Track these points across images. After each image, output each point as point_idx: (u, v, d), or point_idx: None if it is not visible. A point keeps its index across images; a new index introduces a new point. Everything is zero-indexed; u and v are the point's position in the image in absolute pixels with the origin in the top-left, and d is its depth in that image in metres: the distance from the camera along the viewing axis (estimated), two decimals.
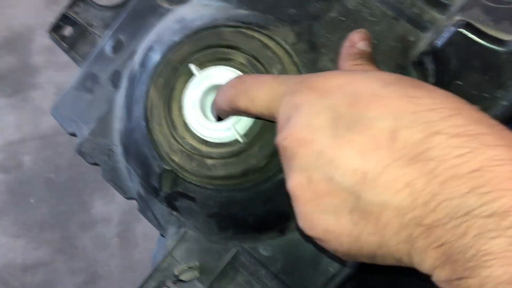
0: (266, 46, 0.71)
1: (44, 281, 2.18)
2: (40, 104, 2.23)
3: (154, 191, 0.79)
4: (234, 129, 0.70)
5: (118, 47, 0.93)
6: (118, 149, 0.86)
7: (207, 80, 0.72)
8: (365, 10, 0.73)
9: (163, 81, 0.74)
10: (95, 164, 0.90)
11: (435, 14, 0.71)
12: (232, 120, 0.71)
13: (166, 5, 0.91)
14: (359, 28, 0.73)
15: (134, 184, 0.84)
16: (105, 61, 0.93)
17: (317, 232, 0.41)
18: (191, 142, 0.72)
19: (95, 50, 0.96)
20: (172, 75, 0.74)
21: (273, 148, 0.69)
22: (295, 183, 0.42)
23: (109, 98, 0.91)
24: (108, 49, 0.93)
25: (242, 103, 0.53)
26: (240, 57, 0.72)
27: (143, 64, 0.81)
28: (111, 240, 2.06)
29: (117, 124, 0.86)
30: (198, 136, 0.72)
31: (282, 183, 0.71)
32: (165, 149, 0.73)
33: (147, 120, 0.75)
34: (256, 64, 0.71)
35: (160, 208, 0.80)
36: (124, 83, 0.87)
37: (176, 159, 0.72)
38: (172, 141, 0.72)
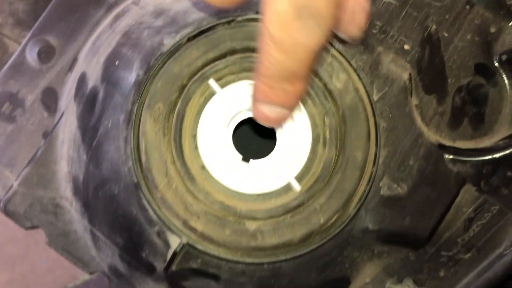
0: None
1: None
2: None
3: (147, 267, 0.51)
4: (282, 170, 0.45)
5: (47, 54, 0.63)
6: (71, 204, 0.57)
7: (234, 100, 0.46)
8: None
9: (163, 107, 0.46)
10: (34, 227, 0.59)
11: None
12: (276, 156, 0.47)
13: None
14: (421, 16, 0.52)
15: (103, 254, 0.55)
16: (29, 74, 0.62)
17: None
18: (219, 198, 0.46)
19: (11, 59, 0.64)
20: (177, 96, 0.47)
21: (348, 195, 0.46)
22: None
23: (44, 128, 0.61)
24: (31, 57, 0.62)
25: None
26: None
27: (107, 78, 0.53)
28: None
29: (65, 166, 0.57)
30: (229, 188, 0.46)
31: (348, 236, 0.49)
32: (176, 212, 0.46)
33: (138, 168, 0.47)
34: None
35: None
36: (70, 106, 0.57)
37: (198, 226, 0.45)
38: (189, 198, 0.46)
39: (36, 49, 0.63)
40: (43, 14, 0.64)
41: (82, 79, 0.57)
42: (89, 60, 0.58)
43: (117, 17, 0.59)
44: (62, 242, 0.57)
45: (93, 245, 0.56)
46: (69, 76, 0.61)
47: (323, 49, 0.38)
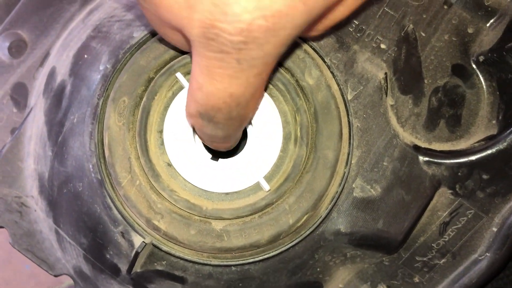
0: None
1: None
2: None
3: (112, 269, 0.49)
4: (251, 169, 0.43)
5: (18, 48, 0.61)
6: (37, 203, 0.54)
7: None
8: None
9: (128, 101, 0.44)
10: None
11: None
12: (246, 155, 0.45)
13: None
14: (398, 15, 0.51)
15: (68, 256, 0.53)
16: None
17: None
18: (185, 197, 0.44)
19: None
20: (143, 89, 0.45)
21: (319, 195, 0.44)
22: None
23: (13, 124, 0.58)
24: (2, 52, 0.60)
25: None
26: None
27: (75, 72, 0.51)
28: None
29: (32, 164, 0.54)
30: (196, 186, 0.44)
31: (320, 238, 0.47)
32: (140, 211, 0.43)
33: (102, 164, 0.45)
34: (278, 70, 0.45)
35: None
36: (39, 102, 0.55)
37: (161, 225, 0.43)
38: (153, 196, 0.43)
39: (7, 44, 0.61)
40: (16, 8, 0.62)
41: (52, 74, 0.55)
42: (60, 54, 0.56)
43: (91, 12, 0.57)
44: (27, 242, 0.55)
45: (58, 246, 0.53)
46: (40, 71, 0.59)
47: (236, 134, 0.42)
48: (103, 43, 0.49)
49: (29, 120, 0.56)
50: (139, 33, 0.47)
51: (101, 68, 0.47)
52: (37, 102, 0.55)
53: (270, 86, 0.45)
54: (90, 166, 0.45)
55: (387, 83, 0.49)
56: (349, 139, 0.46)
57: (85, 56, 0.50)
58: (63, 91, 0.51)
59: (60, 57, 0.55)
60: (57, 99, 0.51)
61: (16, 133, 0.56)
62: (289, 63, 0.45)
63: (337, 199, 0.45)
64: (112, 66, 0.46)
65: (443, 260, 0.50)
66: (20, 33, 0.61)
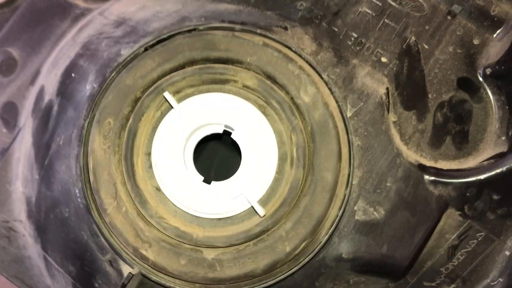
0: (286, 57, 0.42)
1: None
2: None
3: None
4: (245, 193, 0.40)
5: (8, 66, 0.58)
6: (26, 228, 0.52)
7: (194, 116, 0.41)
8: (407, 2, 0.48)
9: (113, 122, 0.42)
10: None
11: (507, 6, 0.48)
12: (240, 177, 0.42)
13: (81, 3, 0.58)
14: (399, 27, 0.48)
15: (58, 283, 0.50)
16: None
17: None
18: (174, 224, 0.41)
19: None
20: (129, 110, 0.42)
21: (317, 220, 0.41)
22: None
23: (2, 144, 0.56)
24: None
25: None
26: (243, 76, 0.42)
27: (62, 91, 0.48)
28: None
29: (21, 187, 0.52)
30: (186, 212, 0.41)
31: (320, 265, 0.43)
32: (126, 239, 0.41)
33: (86, 190, 0.42)
34: (272, 88, 0.42)
35: None
36: (27, 122, 0.53)
37: (150, 255, 0.40)
38: (140, 224, 0.41)
39: None
40: (6, 25, 0.60)
41: (40, 93, 0.52)
42: (49, 73, 0.53)
43: (81, 29, 0.55)
44: (15, 269, 0.52)
45: (47, 273, 0.51)
46: (31, 90, 0.56)
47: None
48: (90, 61, 0.47)
49: (17, 141, 0.54)
50: (127, 50, 0.45)
51: (87, 87, 0.45)
52: (26, 122, 0.53)
53: (264, 104, 0.42)
54: (77, 191, 0.43)
55: (388, 99, 0.46)
56: (349, 158, 0.43)
57: (73, 75, 0.48)
58: (50, 111, 0.48)
59: (49, 76, 0.53)
60: (44, 119, 0.49)
61: (4, 155, 0.54)
62: (283, 80, 0.42)
63: (338, 223, 0.42)
64: (99, 86, 0.44)
65: (452, 286, 0.47)
66: (10, 51, 0.58)
